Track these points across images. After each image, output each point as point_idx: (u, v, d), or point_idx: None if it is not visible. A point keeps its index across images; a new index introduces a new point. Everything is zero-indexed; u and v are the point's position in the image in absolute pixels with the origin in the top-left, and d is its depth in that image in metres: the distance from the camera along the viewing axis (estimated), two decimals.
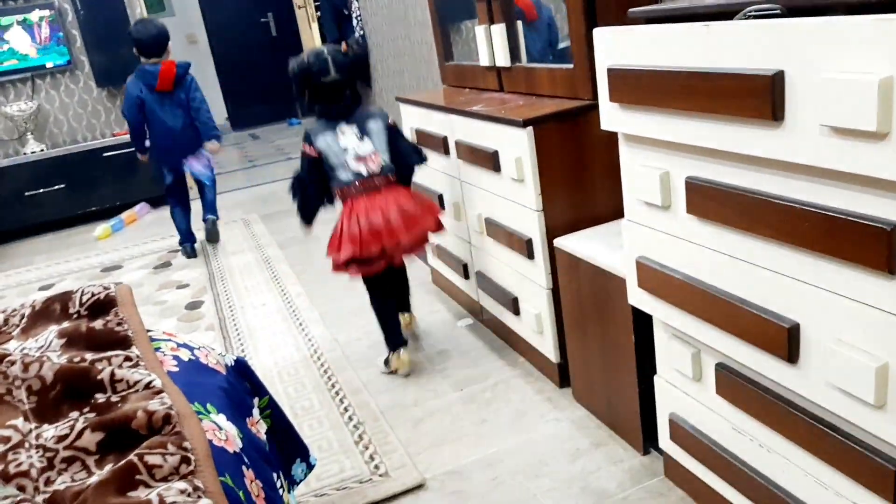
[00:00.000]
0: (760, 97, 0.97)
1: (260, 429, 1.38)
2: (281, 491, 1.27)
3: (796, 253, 1.02)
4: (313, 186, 2.19)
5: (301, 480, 1.57)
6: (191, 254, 3.95)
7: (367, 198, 2.12)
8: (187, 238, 3.99)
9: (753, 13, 1.02)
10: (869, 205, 0.89)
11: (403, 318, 2.50)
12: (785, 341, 1.06)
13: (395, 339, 2.31)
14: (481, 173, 2.15)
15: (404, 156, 2.22)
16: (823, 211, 0.95)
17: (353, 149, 2.14)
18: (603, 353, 1.77)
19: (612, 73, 1.28)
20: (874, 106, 0.82)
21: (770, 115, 0.96)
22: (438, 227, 2.26)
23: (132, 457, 0.99)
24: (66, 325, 1.32)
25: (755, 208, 1.06)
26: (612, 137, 1.42)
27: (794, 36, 0.91)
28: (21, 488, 0.98)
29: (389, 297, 2.36)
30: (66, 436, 1.06)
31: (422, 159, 2.29)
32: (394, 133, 2.21)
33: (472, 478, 1.75)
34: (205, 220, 4.07)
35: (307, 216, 2.27)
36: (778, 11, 1.00)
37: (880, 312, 0.92)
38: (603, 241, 1.74)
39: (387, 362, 2.32)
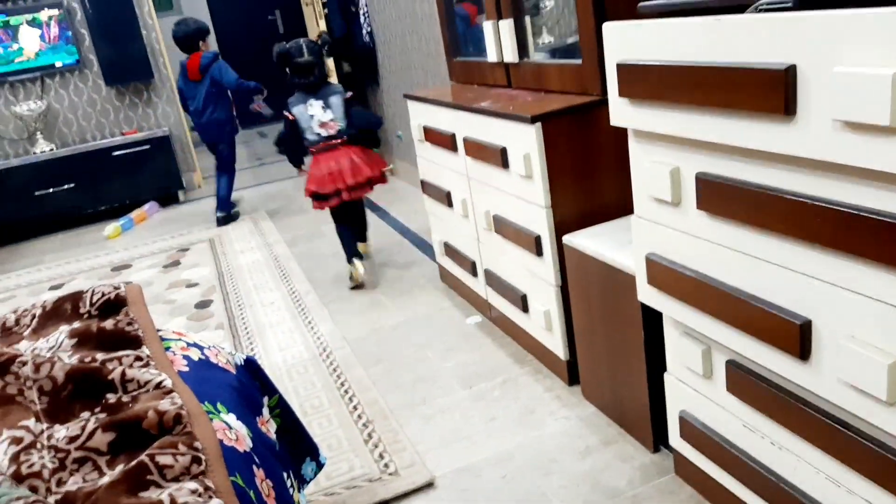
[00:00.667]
0: (773, 91, 0.96)
1: (270, 428, 1.38)
2: (291, 490, 1.28)
3: (808, 249, 1.01)
4: (292, 141, 3.03)
5: (311, 479, 1.57)
6: (220, 222, 4.51)
7: (326, 152, 2.96)
8: (220, 206, 4.54)
9: (765, 6, 1.01)
10: (882, 200, 0.88)
11: (361, 246, 3.27)
12: (797, 338, 1.05)
13: (349, 253, 3.11)
14: (489, 170, 2.14)
15: (358, 120, 3.01)
16: (836, 206, 0.94)
17: (317, 117, 2.95)
18: (612, 351, 1.76)
19: (622, 68, 1.27)
20: (888, 100, 0.81)
21: (782, 109, 0.95)
22: (382, 178, 3.07)
23: (143, 457, 1.00)
24: (76, 325, 1.33)
25: (766, 204, 1.05)
26: (622, 133, 1.41)
27: (807, 29, 0.90)
28: (33, 489, 0.99)
29: (345, 223, 3.18)
30: (78, 436, 1.06)
31: (378, 122, 3.22)
32: (349, 105, 2.99)
33: (482, 475, 1.75)
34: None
35: (294, 161, 3.16)
36: (790, 4, 0.99)
37: (893, 309, 0.91)
38: (612, 238, 1.74)
39: (351, 277, 3.10)
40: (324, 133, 2.94)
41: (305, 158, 3.12)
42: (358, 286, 3.08)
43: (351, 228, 3.21)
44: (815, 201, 0.97)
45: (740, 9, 1.05)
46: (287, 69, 2.94)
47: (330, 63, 4.55)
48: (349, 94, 3.02)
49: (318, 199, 3.01)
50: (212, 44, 8.34)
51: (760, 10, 1.01)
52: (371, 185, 3.03)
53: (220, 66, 4.34)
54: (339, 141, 2.96)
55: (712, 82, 1.06)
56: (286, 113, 2.97)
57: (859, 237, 0.91)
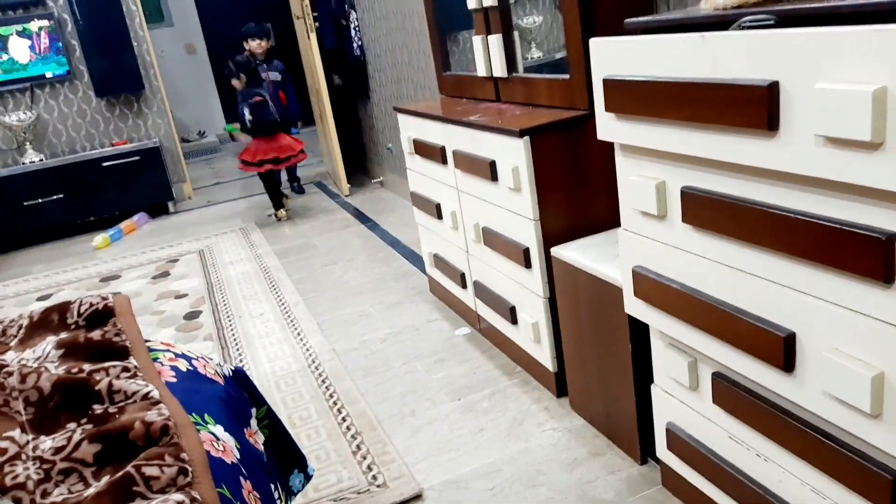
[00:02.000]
0: (756, 107, 0.97)
1: (258, 439, 1.38)
2: (279, 502, 1.27)
3: (792, 262, 1.03)
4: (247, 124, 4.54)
5: (299, 491, 1.57)
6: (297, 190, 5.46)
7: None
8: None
9: (748, 23, 1.03)
10: (864, 214, 0.90)
11: (279, 213, 4.74)
12: (781, 350, 1.06)
13: (276, 204, 4.75)
14: (478, 183, 2.16)
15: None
16: (819, 220, 0.95)
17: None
18: (600, 363, 1.77)
19: (608, 84, 1.28)
20: (868, 116, 0.82)
21: (765, 125, 0.97)
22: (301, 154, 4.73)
23: (129, 468, 0.99)
24: (64, 335, 1.32)
25: (751, 218, 1.06)
26: (609, 147, 1.42)
27: (789, 46, 0.92)
28: (17, 500, 0.98)
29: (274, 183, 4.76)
30: (64, 447, 1.06)
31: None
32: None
33: (470, 487, 1.75)
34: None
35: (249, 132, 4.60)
36: (773, 22, 1.01)
37: (876, 322, 0.92)
38: (600, 251, 1.75)
39: (275, 215, 4.74)
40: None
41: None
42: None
43: (276, 188, 4.80)
44: (799, 215, 0.98)
45: (724, 26, 1.07)
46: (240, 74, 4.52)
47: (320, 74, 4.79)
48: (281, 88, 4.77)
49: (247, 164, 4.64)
50: (202, 56, 8.39)
51: (744, 28, 1.03)
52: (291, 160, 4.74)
53: None
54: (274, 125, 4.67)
55: (697, 98, 1.08)
56: (242, 106, 4.53)
57: (842, 251, 0.93)
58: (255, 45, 4.69)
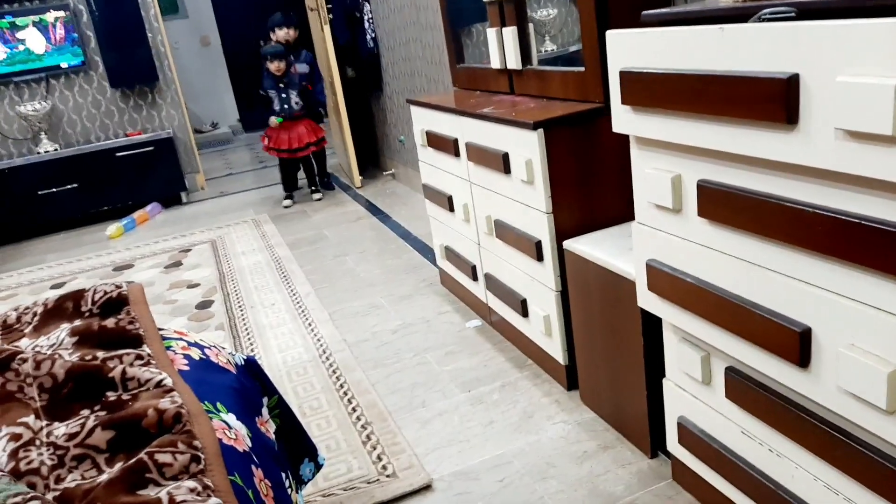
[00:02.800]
0: (775, 100, 0.96)
1: (269, 428, 1.38)
2: (289, 490, 1.28)
3: (809, 257, 1.02)
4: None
5: (309, 480, 1.58)
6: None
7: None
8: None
9: (768, 16, 1.02)
10: (883, 209, 0.89)
11: (316, 195, 4.93)
12: (796, 346, 1.06)
13: (288, 190, 4.92)
14: (491, 175, 2.15)
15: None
16: (837, 215, 0.94)
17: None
18: (611, 356, 1.76)
19: (625, 76, 1.27)
20: (890, 110, 0.81)
21: (784, 118, 0.96)
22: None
23: (142, 455, 1.00)
24: (78, 323, 1.33)
25: (768, 212, 1.05)
26: (623, 140, 1.41)
27: (809, 39, 0.91)
28: (31, 486, 0.99)
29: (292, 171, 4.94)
30: (77, 433, 1.07)
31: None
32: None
33: (480, 479, 1.75)
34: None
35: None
36: (793, 14, 0.99)
37: (893, 317, 0.91)
38: (613, 244, 1.74)
39: (285, 203, 4.85)
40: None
41: None
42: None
43: (292, 173, 4.94)
44: (817, 210, 0.97)
45: (743, 18, 1.06)
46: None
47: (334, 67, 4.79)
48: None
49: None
50: (216, 48, 8.41)
51: (763, 20, 1.02)
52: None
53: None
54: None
55: (715, 91, 1.07)
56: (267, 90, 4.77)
57: (860, 246, 0.92)
58: (283, 35, 4.75)
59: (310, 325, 2.79)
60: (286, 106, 4.65)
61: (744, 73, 1.01)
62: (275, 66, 4.57)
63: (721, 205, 1.15)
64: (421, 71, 4.10)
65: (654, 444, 1.71)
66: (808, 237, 0.99)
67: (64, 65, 5.17)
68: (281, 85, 4.62)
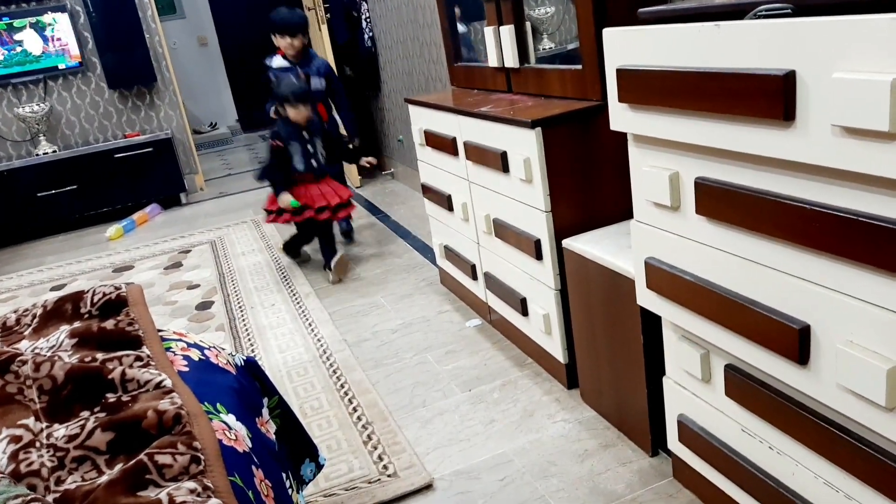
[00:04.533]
0: (772, 97, 0.96)
1: (269, 428, 1.38)
2: (290, 491, 1.28)
3: (807, 254, 1.02)
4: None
5: (310, 480, 1.58)
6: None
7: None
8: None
9: (764, 12, 1.02)
10: (881, 205, 0.89)
11: (341, 259, 3.28)
12: (795, 343, 1.06)
13: (293, 257, 3.58)
14: (490, 174, 2.15)
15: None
16: (835, 211, 0.94)
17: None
18: (611, 354, 1.76)
19: (622, 74, 1.27)
20: (887, 106, 0.81)
21: (781, 115, 0.96)
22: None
23: (142, 456, 1.00)
24: (77, 324, 1.33)
25: (765, 209, 1.05)
26: (621, 138, 1.41)
27: (806, 35, 0.91)
28: (32, 487, 0.99)
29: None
30: (77, 435, 1.07)
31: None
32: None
33: (481, 478, 1.75)
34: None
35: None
36: (789, 10, 0.99)
37: (892, 314, 0.91)
38: (612, 242, 1.74)
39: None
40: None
41: None
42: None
43: (299, 239, 3.56)
44: (814, 206, 0.97)
45: (740, 15, 1.06)
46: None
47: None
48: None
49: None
50: (213, 49, 8.41)
51: (760, 17, 1.02)
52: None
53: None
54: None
55: (712, 88, 1.07)
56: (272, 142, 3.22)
57: (858, 242, 0.92)
58: (287, 45, 3.52)
59: (310, 325, 2.79)
60: (313, 162, 3.20)
61: (740, 69, 1.01)
62: (302, 116, 3.12)
63: (719, 202, 1.15)
64: (419, 70, 4.10)
65: (655, 442, 1.71)
66: (806, 234, 0.99)
67: (61, 66, 5.16)
68: (305, 135, 3.17)
